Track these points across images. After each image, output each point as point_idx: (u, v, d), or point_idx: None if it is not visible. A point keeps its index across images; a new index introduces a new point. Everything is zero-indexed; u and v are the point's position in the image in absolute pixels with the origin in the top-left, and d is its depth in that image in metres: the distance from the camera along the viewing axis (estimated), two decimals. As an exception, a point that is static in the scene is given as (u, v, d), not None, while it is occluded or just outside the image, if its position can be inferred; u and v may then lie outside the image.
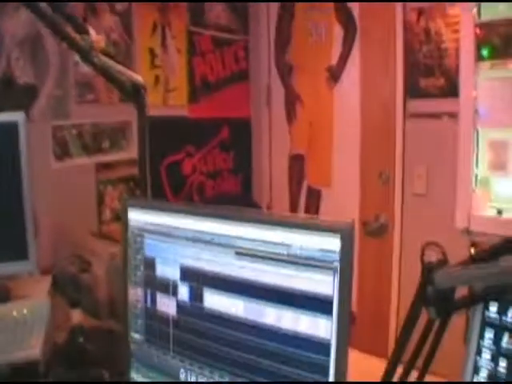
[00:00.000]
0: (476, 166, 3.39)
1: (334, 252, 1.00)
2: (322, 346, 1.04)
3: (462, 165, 3.37)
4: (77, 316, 1.80)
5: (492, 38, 3.18)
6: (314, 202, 4.36)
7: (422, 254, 0.96)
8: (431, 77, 3.46)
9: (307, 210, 4.39)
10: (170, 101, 3.83)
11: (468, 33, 3.25)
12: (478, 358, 1.04)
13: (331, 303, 1.02)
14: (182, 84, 3.94)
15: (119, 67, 1.73)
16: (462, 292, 0.95)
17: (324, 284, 1.02)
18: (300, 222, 1.09)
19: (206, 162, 4.20)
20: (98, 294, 2.11)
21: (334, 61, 4.09)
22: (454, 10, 3.32)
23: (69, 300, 1.92)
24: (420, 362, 1.09)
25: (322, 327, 1.03)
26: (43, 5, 1.53)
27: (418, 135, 3.59)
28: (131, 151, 3.46)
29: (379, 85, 3.79)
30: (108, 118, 3.38)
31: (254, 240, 1.12)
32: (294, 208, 4.50)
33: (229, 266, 1.17)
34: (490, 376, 1.01)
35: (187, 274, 1.26)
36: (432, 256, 0.95)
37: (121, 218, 1.41)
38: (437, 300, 0.93)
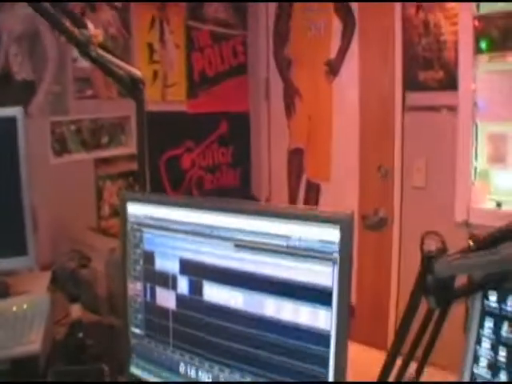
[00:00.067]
0: (475, 158, 3.39)
1: (333, 243, 1.00)
2: (321, 338, 1.04)
3: (461, 158, 3.37)
4: (76, 311, 1.79)
5: (491, 31, 3.17)
6: (313, 196, 4.36)
7: (422, 244, 0.96)
8: (430, 70, 3.45)
9: (306, 204, 4.39)
10: (169, 96, 3.83)
11: (467, 25, 3.25)
12: (478, 347, 1.04)
13: (331, 294, 1.02)
14: (181, 79, 3.94)
15: (117, 61, 1.73)
16: (461, 281, 0.94)
17: (323, 275, 1.02)
18: (299, 213, 1.09)
19: (204, 157, 4.20)
20: (97, 290, 2.11)
21: (333, 54, 4.08)
22: (453, 2, 3.32)
23: (68, 295, 1.92)
24: (419, 353, 1.09)
25: (321, 318, 1.03)
26: (43, 0, 1.53)
27: (417, 128, 3.59)
28: (130, 146, 3.46)
29: (378, 78, 3.78)
30: (107, 113, 3.37)
31: (253, 232, 1.12)
32: (293, 202, 4.49)
33: (228, 259, 1.17)
34: (489, 365, 1.01)
35: (186, 267, 1.26)
36: (431, 246, 0.95)
37: (119, 212, 1.41)
38: (436, 289, 0.92)
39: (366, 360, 1.36)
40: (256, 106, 4.64)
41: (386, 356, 1.04)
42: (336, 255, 1.00)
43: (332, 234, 1.00)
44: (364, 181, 3.94)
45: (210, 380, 1.25)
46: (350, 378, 1.06)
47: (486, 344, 1.02)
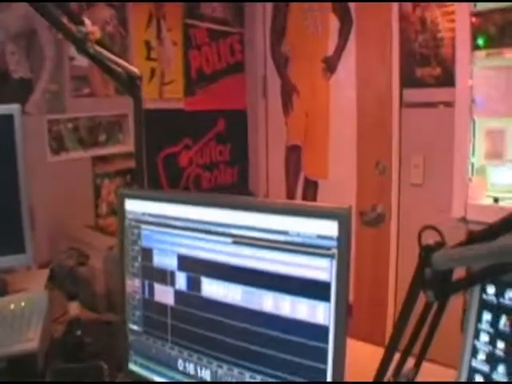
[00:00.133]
0: (472, 154, 3.39)
1: (331, 238, 1.00)
2: (320, 332, 1.04)
3: (458, 154, 3.37)
4: (74, 309, 1.80)
5: (488, 27, 3.18)
6: (311, 193, 4.36)
7: (420, 238, 0.96)
8: (427, 66, 3.46)
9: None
10: (166, 94, 3.83)
11: (464, 22, 3.25)
12: (476, 340, 1.04)
13: (329, 289, 1.02)
14: (178, 77, 3.94)
15: (115, 58, 1.73)
16: (459, 275, 0.94)
17: (322, 270, 1.02)
18: (297, 208, 1.09)
19: (202, 154, 4.20)
20: (95, 287, 2.11)
21: (330, 52, 4.08)
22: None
23: (66, 293, 1.92)
24: (417, 350, 1.09)
25: (320, 313, 1.04)
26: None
27: (415, 125, 3.59)
28: (128, 144, 3.46)
29: (375, 75, 3.79)
30: (104, 111, 3.37)
31: (251, 227, 1.12)
32: (290, 199, 4.49)
33: (226, 254, 1.17)
34: (487, 358, 1.01)
35: (185, 263, 1.26)
36: (429, 240, 0.95)
37: (117, 209, 1.41)
38: (435, 282, 0.92)
39: (364, 356, 1.36)
40: (253, 103, 4.64)
41: (384, 350, 1.04)
42: (334, 250, 1.00)
43: (330, 229, 1.00)
44: (362, 177, 3.94)
45: (209, 376, 1.25)
46: (348, 374, 1.06)
47: (483, 337, 1.03)
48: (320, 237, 1.02)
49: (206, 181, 4.26)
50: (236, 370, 1.19)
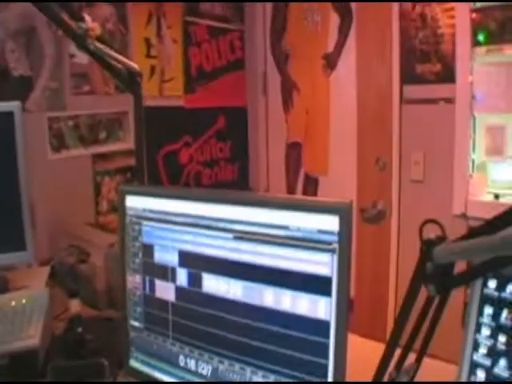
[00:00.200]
0: (473, 151, 3.39)
1: (332, 232, 1.00)
2: (321, 327, 1.04)
3: (458, 150, 3.37)
4: (75, 306, 1.79)
5: (488, 23, 3.17)
6: (311, 189, 4.36)
7: (421, 232, 0.96)
8: (427, 63, 3.45)
9: (305, 199, 4.39)
10: (166, 91, 3.82)
11: (464, 18, 3.25)
12: (478, 334, 1.04)
13: (330, 284, 1.02)
14: (178, 74, 3.93)
15: (115, 55, 1.73)
16: (460, 269, 0.94)
17: (323, 265, 1.02)
18: (298, 203, 1.09)
19: (202, 152, 4.20)
20: (96, 284, 2.11)
21: (331, 48, 4.07)
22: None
23: (67, 290, 1.92)
24: (418, 345, 1.09)
25: (321, 308, 1.04)
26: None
27: (415, 121, 3.59)
28: (128, 142, 3.45)
29: (375, 71, 3.78)
30: (104, 108, 3.37)
31: (252, 223, 1.12)
32: (291, 196, 4.49)
33: (227, 250, 1.17)
34: (489, 352, 1.02)
35: (186, 259, 1.26)
36: (430, 234, 0.95)
37: (118, 205, 1.41)
38: (436, 276, 0.92)
39: (365, 351, 1.36)
40: (253, 100, 4.64)
41: (385, 346, 1.04)
42: (335, 244, 1.00)
43: (331, 224, 1.00)
44: (362, 174, 3.94)
45: (210, 372, 1.25)
46: (349, 370, 1.06)
47: (485, 331, 1.03)
48: (321, 231, 1.02)
49: (206, 178, 4.26)
50: (237, 366, 1.19)
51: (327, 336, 1.04)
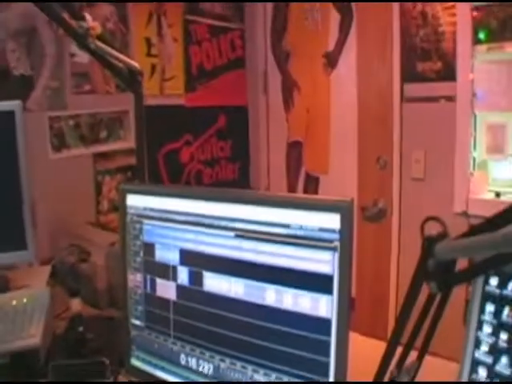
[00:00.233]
0: (474, 149, 3.38)
1: (333, 231, 1.00)
2: (323, 325, 1.04)
3: (459, 148, 3.37)
4: (76, 305, 1.80)
5: (489, 21, 3.17)
6: (312, 188, 4.35)
7: (422, 229, 0.95)
8: (428, 61, 3.45)
9: (306, 198, 4.38)
10: (167, 90, 3.82)
11: (465, 16, 3.24)
12: (479, 332, 1.04)
13: (332, 282, 1.02)
14: (179, 73, 3.93)
15: (116, 53, 1.73)
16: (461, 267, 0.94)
17: (324, 263, 1.02)
18: (299, 201, 1.09)
19: (203, 151, 4.20)
20: (97, 284, 2.12)
21: (331, 47, 4.07)
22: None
23: (68, 289, 1.92)
24: (419, 344, 1.09)
25: (322, 306, 1.04)
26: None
27: (416, 120, 3.58)
28: (129, 141, 3.45)
29: (376, 70, 3.78)
30: (105, 108, 3.37)
31: (253, 221, 1.12)
32: (292, 195, 4.49)
33: (229, 248, 1.17)
34: (491, 350, 1.02)
35: (187, 257, 1.26)
36: (432, 232, 0.95)
37: (119, 204, 1.41)
38: (438, 273, 0.92)
39: (366, 350, 1.36)
40: (254, 99, 4.63)
41: (387, 343, 1.04)
42: (337, 243, 1.00)
43: (332, 222, 1.00)
44: (363, 173, 3.94)
45: (212, 370, 1.25)
46: (350, 368, 1.06)
47: (487, 329, 1.03)
48: (322, 230, 1.02)
49: (207, 177, 4.26)
50: (239, 364, 1.19)
51: (329, 334, 1.04)
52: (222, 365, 1.22)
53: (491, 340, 1.01)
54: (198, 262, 1.24)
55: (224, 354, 1.22)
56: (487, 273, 1.02)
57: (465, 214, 3.29)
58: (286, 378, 1.11)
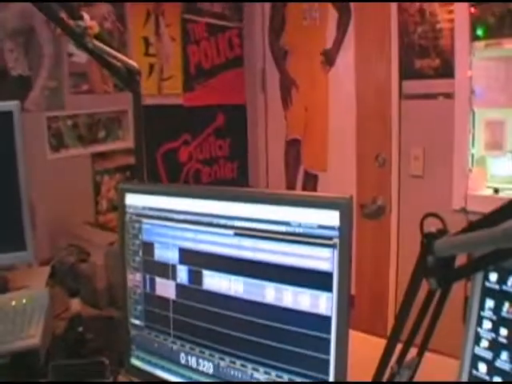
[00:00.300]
0: (472, 145, 3.39)
1: (333, 228, 1.00)
2: (323, 323, 1.04)
3: (458, 145, 3.37)
4: (76, 305, 1.79)
5: (486, 18, 3.17)
6: (310, 186, 4.36)
7: (422, 225, 0.95)
8: (426, 58, 3.45)
9: (304, 196, 4.38)
10: (165, 89, 3.82)
11: (463, 13, 3.24)
12: (479, 328, 1.04)
13: (331, 279, 1.02)
14: (177, 72, 3.93)
15: (114, 53, 1.73)
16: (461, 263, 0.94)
17: (324, 260, 1.02)
18: (298, 198, 1.09)
19: (202, 150, 4.20)
20: (96, 284, 2.11)
21: (329, 44, 4.07)
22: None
23: (68, 290, 1.92)
24: (419, 341, 1.09)
25: (322, 303, 1.03)
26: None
27: (414, 117, 3.59)
28: (127, 140, 3.45)
29: (374, 67, 3.78)
30: (103, 107, 3.37)
31: (252, 219, 1.11)
32: (291, 193, 4.48)
33: (228, 247, 1.17)
34: (490, 345, 1.02)
35: (186, 256, 1.26)
36: (431, 228, 0.95)
37: (117, 204, 1.41)
38: (437, 269, 0.92)
39: (366, 347, 1.36)
40: (252, 97, 4.64)
41: (387, 339, 1.04)
42: (336, 240, 1.00)
43: (332, 219, 1.00)
44: (361, 170, 3.94)
45: (211, 369, 1.25)
46: (350, 365, 1.06)
47: (486, 324, 1.03)
48: (321, 227, 1.02)
49: (205, 176, 4.26)
50: (238, 362, 1.19)
51: (328, 331, 1.04)
52: (222, 363, 1.22)
53: (491, 336, 1.01)
54: (197, 260, 1.24)
55: (224, 353, 1.21)
56: (487, 268, 1.02)
57: (463, 210, 3.29)
58: (286, 376, 1.11)
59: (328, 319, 1.03)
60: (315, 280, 1.04)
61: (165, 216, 1.29)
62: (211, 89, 4.23)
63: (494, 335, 1.01)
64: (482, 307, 1.03)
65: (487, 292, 1.03)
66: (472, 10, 3.20)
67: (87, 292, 2.05)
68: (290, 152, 4.47)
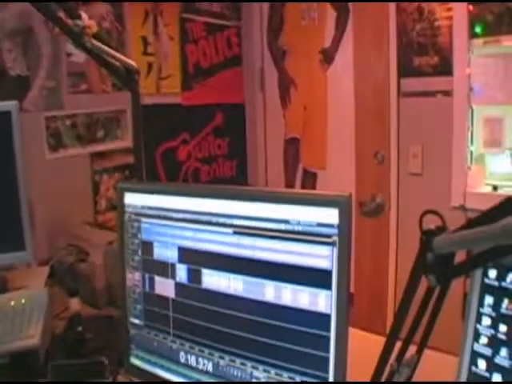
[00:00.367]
0: (471, 143, 3.39)
1: (332, 226, 1.00)
2: (322, 321, 1.04)
3: (456, 143, 3.37)
4: (75, 305, 1.79)
5: (485, 15, 3.17)
6: (309, 184, 4.35)
7: (421, 222, 0.95)
8: (425, 55, 3.45)
9: (304, 194, 4.38)
10: (164, 88, 3.82)
11: (461, 10, 3.24)
12: (478, 324, 1.04)
13: (330, 277, 1.02)
14: (175, 71, 3.93)
15: (112, 52, 1.73)
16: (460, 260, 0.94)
17: (323, 258, 1.02)
18: (297, 196, 1.09)
19: (200, 149, 4.20)
20: (95, 283, 2.11)
21: (328, 43, 4.07)
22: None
23: (67, 289, 1.92)
24: (418, 338, 1.09)
25: (321, 301, 1.04)
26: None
27: (413, 114, 3.59)
28: (126, 140, 3.45)
29: (373, 65, 3.78)
30: (102, 107, 3.37)
31: (251, 217, 1.11)
32: (290, 192, 4.48)
33: (227, 245, 1.17)
34: (490, 342, 1.02)
35: (185, 255, 1.26)
36: (430, 225, 0.95)
37: (117, 203, 1.41)
38: (436, 266, 0.92)
39: (365, 345, 1.36)
40: (251, 96, 4.64)
41: (387, 336, 1.04)
42: (335, 237, 1.00)
43: (331, 217, 1.00)
44: (360, 168, 3.94)
45: (211, 367, 1.25)
46: (349, 363, 1.06)
47: (485, 321, 1.03)
48: (320, 225, 1.02)
49: (204, 174, 4.26)
50: (238, 361, 1.19)
51: (328, 329, 1.04)
52: (222, 362, 1.22)
53: (490, 332, 1.01)
54: (196, 259, 1.24)
55: (223, 351, 1.21)
56: (486, 265, 1.02)
57: (462, 207, 3.29)
58: (285, 374, 1.11)
59: (327, 317, 1.03)
60: (314, 278, 1.04)
61: (164, 215, 1.29)
62: (210, 88, 4.23)
63: (493, 332, 1.01)
64: (481, 304, 1.03)
65: (486, 289, 1.03)
66: (470, 7, 3.20)
67: (86, 291, 2.05)
68: (289, 150, 4.47)
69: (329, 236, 1.01)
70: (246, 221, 1.12)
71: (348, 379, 1.07)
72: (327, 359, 1.05)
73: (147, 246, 1.34)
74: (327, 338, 1.04)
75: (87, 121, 3.27)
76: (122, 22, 3.44)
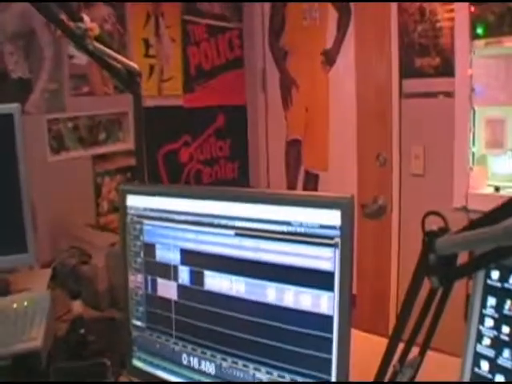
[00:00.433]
0: (473, 144, 3.39)
1: (334, 227, 1.00)
2: (325, 322, 1.04)
3: (458, 144, 3.37)
4: (77, 307, 1.79)
5: (486, 16, 3.17)
6: (311, 186, 4.36)
7: (423, 224, 0.95)
8: (426, 56, 3.45)
9: (306, 196, 4.38)
10: (165, 91, 3.82)
11: (462, 11, 3.24)
12: (481, 326, 1.04)
13: (333, 279, 1.01)
14: (177, 73, 3.93)
15: (114, 54, 1.73)
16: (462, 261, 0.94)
17: (325, 260, 1.02)
18: (300, 198, 1.09)
19: (202, 150, 4.20)
20: (98, 285, 2.11)
21: (329, 44, 4.07)
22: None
23: (69, 292, 1.92)
24: (420, 339, 1.09)
25: (324, 303, 1.03)
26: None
27: (415, 115, 3.59)
28: (128, 142, 3.46)
29: (374, 66, 3.78)
30: (103, 109, 3.37)
31: (253, 219, 1.11)
32: (292, 194, 4.48)
33: (229, 247, 1.17)
34: (492, 343, 1.02)
35: (188, 257, 1.26)
36: (433, 226, 0.95)
37: (119, 205, 1.41)
38: (439, 267, 0.92)
39: (368, 347, 1.36)
40: (253, 98, 4.64)
41: (389, 338, 1.04)
42: (337, 239, 1.00)
43: (333, 218, 1.00)
44: (362, 169, 3.94)
45: (213, 369, 1.25)
46: (352, 365, 1.06)
47: (488, 322, 1.03)
48: (323, 226, 1.02)
49: (206, 176, 4.27)
50: (240, 363, 1.19)
51: (330, 331, 1.03)
52: (224, 364, 1.22)
53: (493, 333, 1.01)
54: (198, 261, 1.23)
55: (226, 353, 1.21)
56: (488, 266, 1.02)
57: (464, 208, 3.29)
58: (288, 376, 1.11)
59: (330, 319, 1.03)
60: (317, 279, 1.04)
61: (166, 217, 1.29)
62: (211, 90, 4.23)
63: (495, 333, 1.01)
64: (483, 305, 1.03)
65: (489, 290, 1.03)
66: (472, 8, 3.20)
67: (89, 294, 2.05)
68: (291, 152, 4.47)
69: (331, 238, 1.01)
70: (247, 223, 1.12)
71: (351, 380, 1.07)
72: (330, 361, 1.05)
73: (149, 248, 1.34)
74: (330, 340, 1.04)
75: (89, 123, 3.27)
76: (123, 24, 3.45)
